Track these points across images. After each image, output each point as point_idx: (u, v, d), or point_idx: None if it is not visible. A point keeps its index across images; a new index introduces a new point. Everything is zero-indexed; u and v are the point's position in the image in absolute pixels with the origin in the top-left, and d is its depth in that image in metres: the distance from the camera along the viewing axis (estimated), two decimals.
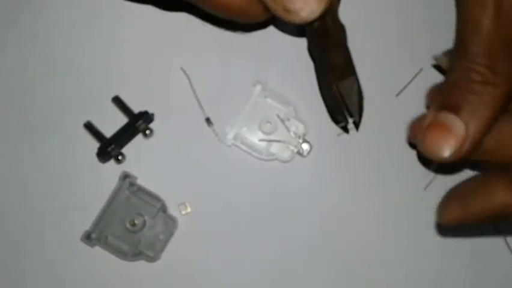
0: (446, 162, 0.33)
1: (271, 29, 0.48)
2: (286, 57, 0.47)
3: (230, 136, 0.47)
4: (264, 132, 0.47)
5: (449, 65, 0.35)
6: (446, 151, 0.33)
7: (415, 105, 0.45)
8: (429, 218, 0.47)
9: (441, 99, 0.34)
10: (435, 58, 0.39)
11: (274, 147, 0.47)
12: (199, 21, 0.47)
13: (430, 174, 0.47)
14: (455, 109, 0.33)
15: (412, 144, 0.46)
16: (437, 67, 0.46)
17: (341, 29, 0.43)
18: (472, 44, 0.32)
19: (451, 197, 0.36)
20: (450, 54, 0.36)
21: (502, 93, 0.32)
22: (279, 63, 0.48)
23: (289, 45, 0.47)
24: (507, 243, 0.47)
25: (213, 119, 0.47)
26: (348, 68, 0.44)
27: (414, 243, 0.47)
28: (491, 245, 0.47)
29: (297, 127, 0.47)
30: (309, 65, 0.46)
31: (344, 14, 0.45)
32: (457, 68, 0.33)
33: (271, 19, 0.37)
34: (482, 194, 0.34)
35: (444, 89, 0.34)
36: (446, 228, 0.46)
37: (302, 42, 0.47)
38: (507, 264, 0.47)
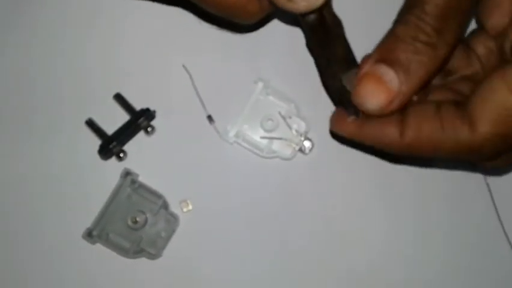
0: (373, 114, 0.34)
1: (274, 26, 0.47)
2: (288, 54, 0.47)
3: (232, 134, 0.46)
4: (265, 130, 0.47)
5: (397, 17, 0.35)
6: (376, 103, 0.34)
7: None
8: (430, 213, 0.47)
9: (382, 51, 0.34)
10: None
11: (276, 145, 0.47)
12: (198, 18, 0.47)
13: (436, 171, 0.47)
14: (393, 64, 0.33)
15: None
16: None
17: (338, 22, 0.43)
18: (429, 3, 0.32)
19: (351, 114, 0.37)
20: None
21: (440, 57, 0.33)
22: (281, 60, 0.48)
23: (291, 42, 0.47)
24: (508, 241, 0.47)
25: (214, 117, 0.47)
26: (350, 60, 0.44)
27: (416, 239, 0.47)
28: (494, 245, 0.47)
29: (298, 124, 0.47)
30: (311, 62, 0.46)
31: (344, 11, 0.45)
32: (405, 23, 0.33)
33: (267, 18, 0.37)
34: (377, 126, 0.35)
35: (387, 41, 0.34)
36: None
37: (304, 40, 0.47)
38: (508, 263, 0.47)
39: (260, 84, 0.47)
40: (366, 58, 0.35)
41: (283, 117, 0.46)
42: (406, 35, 0.33)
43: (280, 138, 0.46)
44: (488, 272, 0.47)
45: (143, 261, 0.46)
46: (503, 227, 0.47)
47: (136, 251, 0.45)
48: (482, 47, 0.38)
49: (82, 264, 0.46)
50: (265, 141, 0.46)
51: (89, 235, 0.45)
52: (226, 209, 0.47)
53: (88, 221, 0.45)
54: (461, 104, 0.34)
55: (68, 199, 0.46)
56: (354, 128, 0.36)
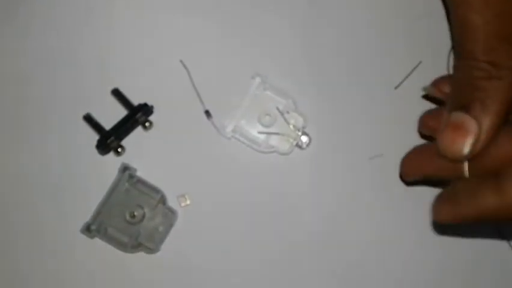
0: (467, 159, 0.34)
1: (270, 22, 0.47)
2: (286, 50, 0.47)
3: (229, 129, 0.47)
4: (263, 125, 0.47)
5: (454, 63, 0.36)
6: (464, 149, 0.34)
7: (414, 97, 0.46)
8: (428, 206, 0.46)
9: (452, 101, 0.35)
10: (424, 89, 0.40)
11: (274, 140, 0.47)
12: (199, 14, 0.47)
13: None
14: (465, 108, 0.33)
15: (424, 136, 0.45)
16: (427, 97, 0.46)
17: None
18: (468, 43, 0.33)
19: (443, 197, 0.36)
20: (437, 82, 0.38)
21: (507, 85, 0.33)
22: (278, 56, 0.48)
23: (288, 38, 0.47)
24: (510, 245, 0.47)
25: (212, 112, 0.47)
26: None
27: (414, 236, 0.47)
28: (493, 245, 0.47)
29: (296, 120, 0.47)
30: (309, 57, 0.46)
31: (343, 6, 0.45)
32: (459, 68, 0.34)
33: None
34: (473, 196, 0.34)
35: (453, 90, 0.35)
36: (443, 226, 0.46)
37: (302, 36, 0.47)
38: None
39: (257, 79, 0.47)
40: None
41: (281, 112, 0.46)
42: (465, 78, 0.34)
43: (277, 133, 0.46)
44: (487, 269, 0.47)
45: (141, 255, 0.46)
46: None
47: (134, 246, 0.45)
48: None
49: (80, 258, 0.46)
50: (262, 136, 0.47)
51: (87, 229, 0.45)
52: (224, 203, 0.47)
53: (86, 216, 0.45)
54: None
55: (66, 194, 0.46)
56: (451, 211, 0.35)
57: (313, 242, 0.47)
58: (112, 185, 0.45)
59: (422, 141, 0.45)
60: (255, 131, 0.47)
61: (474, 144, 0.34)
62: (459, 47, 0.34)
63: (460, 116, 0.34)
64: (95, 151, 0.46)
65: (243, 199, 0.47)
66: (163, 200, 0.46)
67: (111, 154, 0.47)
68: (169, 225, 0.46)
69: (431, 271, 0.47)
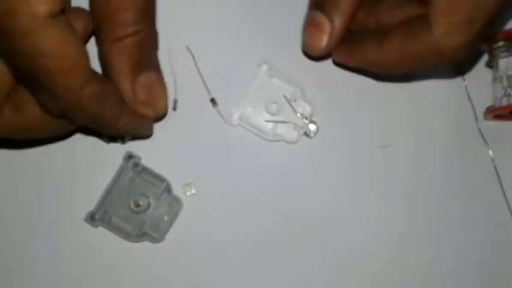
0: (322, 54, 0.41)
1: (278, 8, 0.47)
2: (293, 37, 0.46)
3: (235, 117, 0.46)
4: (270, 113, 0.46)
5: None
6: (320, 45, 0.40)
7: (424, 84, 0.45)
8: (437, 200, 0.47)
9: (312, 0, 0.41)
10: None
11: (281, 128, 0.46)
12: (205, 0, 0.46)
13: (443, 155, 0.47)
14: (321, 7, 0.39)
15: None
16: None
17: None
18: None
19: (345, 40, 0.41)
20: None
21: None
22: (285, 43, 0.47)
23: (295, 25, 0.46)
24: None
25: (218, 99, 0.46)
26: None
27: (423, 225, 0.47)
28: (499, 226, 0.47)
29: (303, 108, 0.46)
30: None
31: None
32: None
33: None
34: (361, 48, 0.40)
35: None
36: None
37: None
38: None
39: (264, 67, 0.46)
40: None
41: (288, 101, 0.46)
42: None
43: (285, 122, 0.46)
44: (495, 256, 0.47)
45: (146, 244, 0.46)
46: (511, 212, 0.46)
47: (138, 235, 0.45)
48: None
49: (84, 247, 0.46)
50: (269, 125, 0.46)
51: (91, 218, 0.44)
52: (230, 192, 0.46)
53: (91, 205, 0.44)
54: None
55: (70, 182, 0.46)
56: (343, 55, 0.42)
57: (320, 232, 0.46)
58: (117, 173, 0.45)
59: None
60: (261, 119, 0.46)
61: (328, 41, 0.39)
62: None
63: (316, 15, 0.39)
64: (99, 139, 0.46)
65: (249, 188, 0.46)
66: (168, 189, 0.45)
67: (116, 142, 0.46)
68: (174, 215, 0.45)
69: (442, 260, 0.47)
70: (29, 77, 0.34)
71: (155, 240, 0.45)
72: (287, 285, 0.46)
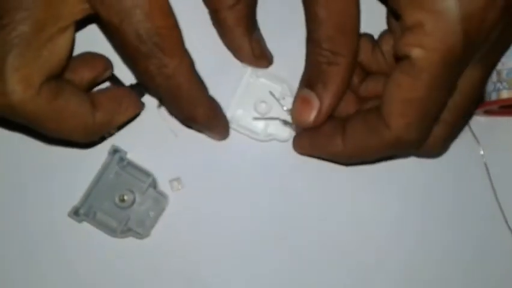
0: (310, 126, 0.42)
1: (262, 9, 0.46)
2: (278, 34, 0.46)
3: None
4: (259, 113, 0.46)
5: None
6: (308, 119, 0.42)
7: None
8: (428, 198, 0.46)
9: (303, 78, 0.43)
10: None
11: (272, 128, 0.45)
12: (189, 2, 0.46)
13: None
14: (311, 86, 0.41)
15: None
16: None
17: None
18: (313, 33, 0.40)
19: (305, 135, 0.44)
20: None
21: (344, 69, 0.40)
22: (270, 41, 0.46)
23: (280, 22, 0.46)
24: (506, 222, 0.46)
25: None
26: None
27: (405, 224, 0.46)
28: (492, 226, 0.46)
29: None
30: (301, 41, 0.45)
31: None
32: (308, 53, 0.42)
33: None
34: (326, 141, 0.42)
35: (304, 70, 0.43)
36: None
37: (293, 19, 0.45)
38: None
39: (250, 67, 0.46)
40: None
41: (277, 99, 0.45)
42: (312, 61, 0.41)
43: (276, 119, 0.45)
44: (486, 253, 0.46)
45: (130, 240, 0.45)
46: (501, 210, 0.46)
47: (123, 231, 0.44)
48: (386, 46, 0.43)
49: (67, 243, 0.45)
50: (261, 125, 0.45)
51: (75, 213, 0.43)
52: (217, 189, 0.46)
53: (75, 199, 0.44)
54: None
55: (54, 176, 0.45)
56: (308, 149, 0.44)
57: (311, 228, 0.46)
58: (102, 168, 0.44)
59: None
60: (252, 119, 0.45)
61: (316, 117, 0.41)
62: (308, 35, 0.41)
63: (306, 92, 0.42)
64: None
65: (237, 186, 0.46)
66: (154, 184, 0.45)
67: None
68: (160, 210, 0.45)
69: (430, 256, 0.46)
70: (137, 41, 0.36)
71: (140, 236, 0.44)
72: (274, 281, 0.46)
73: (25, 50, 0.35)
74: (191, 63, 0.39)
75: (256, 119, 0.45)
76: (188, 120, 0.42)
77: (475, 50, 0.36)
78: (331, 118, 0.42)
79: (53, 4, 0.35)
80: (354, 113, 0.42)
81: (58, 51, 0.36)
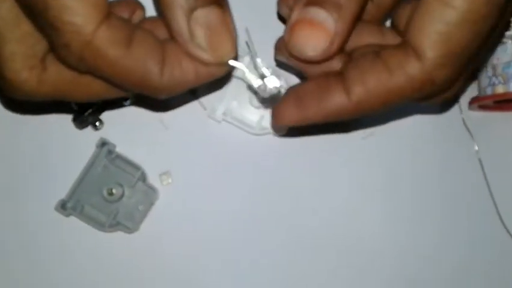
0: (316, 60, 0.33)
1: (253, 3, 0.46)
2: (272, 27, 0.45)
3: (220, 112, 0.45)
4: (254, 106, 0.45)
5: None
6: (317, 48, 0.32)
7: None
8: (422, 192, 0.46)
9: None
10: None
11: (267, 121, 0.45)
12: None
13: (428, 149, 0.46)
14: (322, 4, 0.31)
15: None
16: None
17: None
18: None
19: (288, 99, 0.34)
20: None
21: None
22: (266, 34, 0.45)
23: (274, 15, 0.45)
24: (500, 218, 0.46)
25: (200, 94, 0.45)
26: None
27: (399, 218, 0.46)
28: (485, 221, 0.46)
29: None
30: None
31: None
32: None
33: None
34: (320, 97, 0.33)
35: None
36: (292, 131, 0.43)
37: None
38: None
39: (246, 59, 0.45)
40: (294, 5, 0.33)
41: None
42: None
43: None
44: (480, 249, 0.46)
45: (119, 235, 0.44)
46: (495, 205, 0.46)
47: (112, 225, 0.43)
48: None
49: (54, 237, 0.44)
50: (256, 118, 0.45)
51: (62, 207, 0.43)
52: (208, 183, 0.45)
53: (62, 193, 0.43)
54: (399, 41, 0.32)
55: (41, 169, 0.45)
56: (296, 113, 0.34)
57: (305, 222, 0.45)
58: (89, 161, 0.43)
59: None
60: (246, 112, 0.45)
61: (328, 46, 0.32)
62: None
63: (317, 12, 0.32)
64: (71, 125, 0.44)
65: (228, 180, 0.45)
66: (143, 177, 0.44)
67: (89, 128, 0.45)
68: (149, 204, 0.44)
69: (424, 250, 0.46)
70: (39, 20, 0.30)
71: (129, 230, 0.44)
72: (264, 275, 0.45)
73: None
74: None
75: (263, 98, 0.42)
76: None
77: None
78: (317, 76, 0.34)
79: None
80: (353, 59, 0.34)
81: None
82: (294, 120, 0.34)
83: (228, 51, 0.32)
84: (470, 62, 0.32)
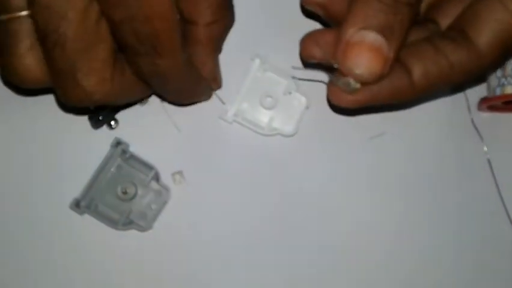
0: (370, 81, 0.36)
1: (268, 1, 0.46)
2: (285, 29, 0.46)
3: (231, 113, 0.45)
4: (265, 107, 0.45)
5: None
6: (374, 71, 0.35)
7: None
8: (430, 192, 0.46)
9: (360, 18, 0.35)
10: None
11: (277, 122, 0.45)
12: None
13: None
14: (380, 29, 0.35)
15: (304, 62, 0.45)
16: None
17: None
18: None
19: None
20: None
21: (413, 12, 0.35)
22: (278, 35, 0.46)
23: (288, 17, 0.46)
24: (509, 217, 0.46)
25: (212, 96, 0.46)
26: None
27: (409, 220, 0.46)
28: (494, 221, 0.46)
29: (299, 100, 0.45)
30: None
31: None
32: None
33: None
34: (387, 86, 0.37)
35: (359, 7, 0.35)
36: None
37: (301, 15, 0.46)
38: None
39: (257, 61, 0.45)
40: (343, 26, 0.36)
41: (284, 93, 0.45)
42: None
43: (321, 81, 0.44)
44: (489, 250, 0.46)
45: (132, 233, 0.45)
46: (504, 206, 0.46)
47: (125, 223, 0.44)
48: None
49: (69, 235, 0.45)
50: (265, 119, 0.45)
51: (77, 205, 0.43)
52: (220, 183, 0.46)
53: (76, 191, 0.44)
54: (451, 31, 0.37)
55: (56, 168, 0.45)
56: (364, 96, 0.37)
57: (314, 224, 0.46)
58: (104, 160, 0.44)
59: None
60: (257, 114, 0.45)
61: (385, 65, 0.35)
62: None
63: (372, 35, 0.35)
64: (87, 124, 0.45)
65: (240, 180, 0.46)
66: (156, 177, 0.45)
67: (104, 128, 0.45)
68: (162, 203, 0.45)
69: (434, 251, 0.46)
70: (134, 40, 0.34)
71: (142, 228, 0.44)
72: (275, 276, 0.45)
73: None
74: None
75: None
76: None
77: None
78: None
79: None
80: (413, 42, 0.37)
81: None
82: (362, 102, 0.37)
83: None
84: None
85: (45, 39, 0.34)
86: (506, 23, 0.35)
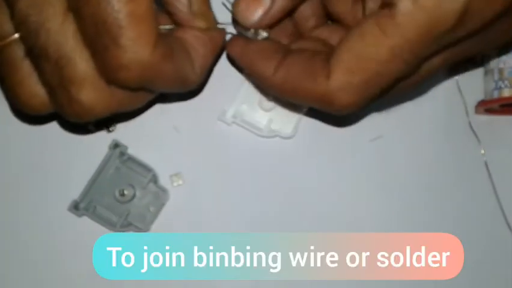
0: (253, 26, 0.38)
1: None
2: None
3: (229, 114, 0.45)
4: (264, 109, 0.46)
5: None
6: (252, 17, 0.37)
7: None
8: (422, 194, 0.46)
9: None
10: None
11: (276, 124, 0.46)
12: None
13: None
14: None
15: None
16: None
17: None
18: None
19: (241, 40, 0.39)
20: None
21: None
22: None
23: None
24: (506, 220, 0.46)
25: (210, 97, 0.46)
26: None
27: (406, 222, 0.46)
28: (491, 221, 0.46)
29: None
30: None
31: None
32: None
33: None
34: (257, 57, 0.38)
35: None
36: None
37: None
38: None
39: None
40: None
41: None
42: None
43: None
44: (486, 253, 0.46)
45: None
46: (501, 208, 0.46)
47: (123, 225, 0.44)
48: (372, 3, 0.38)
49: (67, 237, 0.45)
50: (264, 121, 0.45)
51: (75, 207, 0.43)
52: (218, 185, 0.46)
53: (75, 193, 0.44)
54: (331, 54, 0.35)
55: (55, 170, 0.45)
56: (239, 50, 0.39)
57: (312, 226, 0.46)
58: (102, 162, 0.44)
59: None
60: (256, 115, 0.46)
61: (262, 16, 0.37)
62: None
63: None
64: (85, 126, 0.45)
65: (238, 182, 0.46)
66: (154, 179, 0.45)
67: (102, 130, 0.45)
68: (160, 205, 0.45)
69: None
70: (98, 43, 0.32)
71: (140, 230, 0.44)
72: (273, 279, 0.45)
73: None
74: None
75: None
76: None
77: (462, 32, 0.31)
78: (274, 41, 0.38)
79: None
80: (302, 48, 0.38)
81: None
82: (235, 54, 0.39)
83: (212, 16, 0.39)
84: (379, 92, 0.34)
85: (31, 54, 0.32)
86: (362, 56, 0.33)
